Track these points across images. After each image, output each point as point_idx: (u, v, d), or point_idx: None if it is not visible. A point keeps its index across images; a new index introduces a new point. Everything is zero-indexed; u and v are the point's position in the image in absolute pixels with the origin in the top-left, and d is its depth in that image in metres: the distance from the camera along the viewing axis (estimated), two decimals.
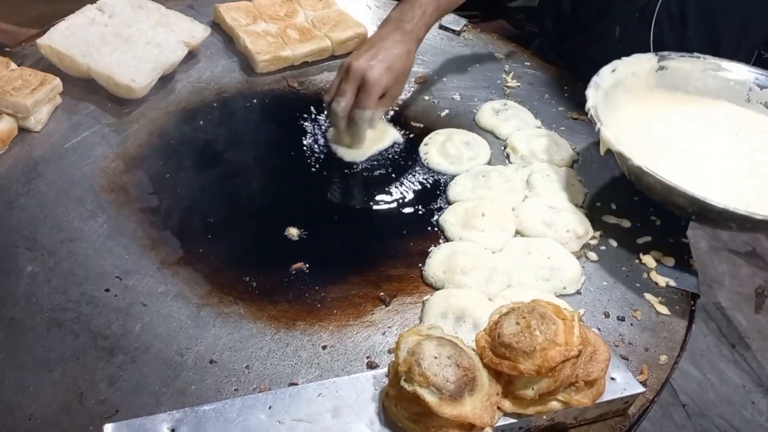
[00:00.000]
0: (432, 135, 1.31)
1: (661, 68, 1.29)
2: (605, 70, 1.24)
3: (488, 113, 1.37)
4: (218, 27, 1.47)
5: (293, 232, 1.09)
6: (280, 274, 1.02)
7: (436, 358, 0.79)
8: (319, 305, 0.99)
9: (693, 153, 1.21)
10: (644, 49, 1.45)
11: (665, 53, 1.31)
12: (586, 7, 1.59)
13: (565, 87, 1.49)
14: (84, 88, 1.25)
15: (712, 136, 1.25)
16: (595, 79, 1.22)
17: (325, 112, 1.26)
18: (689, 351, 2.78)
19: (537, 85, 1.48)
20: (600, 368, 0.84)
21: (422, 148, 1.29)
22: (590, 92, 1.19)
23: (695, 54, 1.31)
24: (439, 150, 1.27)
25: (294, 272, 1.03)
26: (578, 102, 1.44)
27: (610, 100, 1.22)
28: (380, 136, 1.29)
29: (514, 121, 1.36)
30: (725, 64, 1.31)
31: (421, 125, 1.35)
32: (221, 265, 1.02)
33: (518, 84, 1.48)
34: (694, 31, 1.43)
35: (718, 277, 3.20)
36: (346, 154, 1.25)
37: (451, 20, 1.60)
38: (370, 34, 1.49)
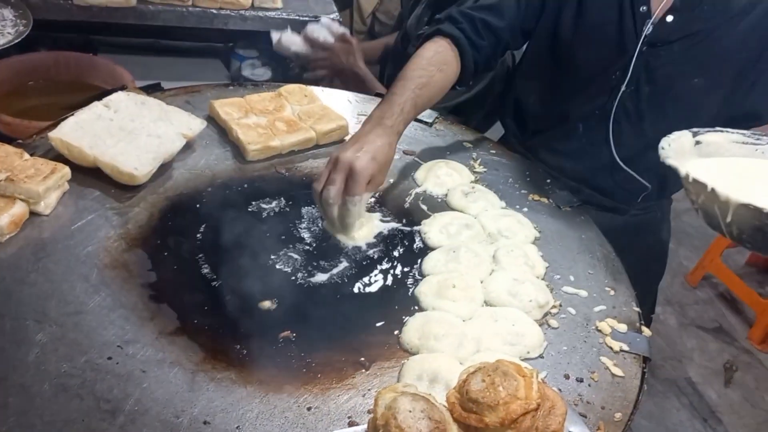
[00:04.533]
0: (436, 216, 1.45)
1: (698, 142, 1.31)
2: (663, 144, 1.26)
3: (458, 195, 1.51)
4: (213, 120, 1.61)
5: (270, 305, 1.18)
6: (268, 341, 1.12)
7: (410, 411, 0.89)
8: (304, 370, 1.08)
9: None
10: (605, 141, 1.62)
11: (695, 129, 1.33)
12: (548, 107, 1.75)
13: (527, 172, 1.64)
14: (90, 176, 1.36)
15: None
16: (661, 152, 1.23)
17: (315, 202, 1.36)
18: (663, 426, 2.85)
19: (501, 171, 1.64)
20: (558, 421, 0.94)
21: (423, 227, 1.42)
22: (671, 162, 1.20)
23: (717, 128, 1.34)
24: (440, 230, 1.40)
25: (281, 340, 1.12)
26: (539, 186, 1.60)
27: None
28: (368, 222, 1.41)
29: (482, 202, 1.49)
30: (748, 134, 1.34)
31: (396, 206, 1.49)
32: (214, 334, 1.12)
33: (485, 169, 1.63)
34: (649, 124, 1.59)
35: (688, 353, 3.30)
36: (348, 241, 1.36)
37: (425, 114, 1.77)
38: (350, 126, 1.65)
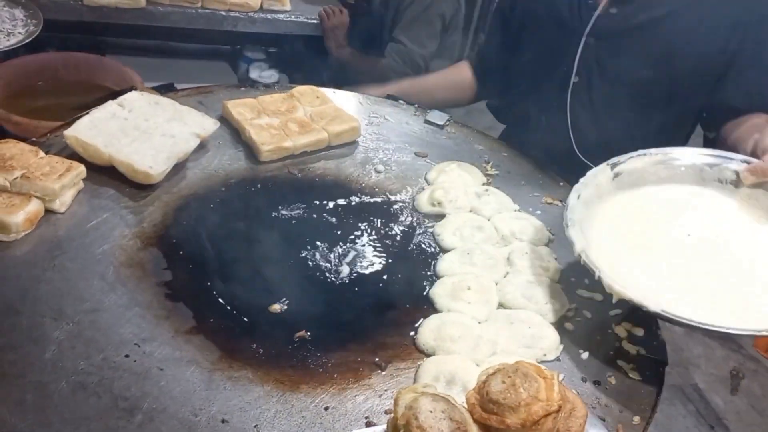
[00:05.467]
0: (450, 218, 1.44)
1: (616, 175, 1.34)
2: (572, 201, 1.27)
3: (471, 197, 1.51)
4: (226, 121, 1.61)
5: (283, 305, 1.18)
6: (284, 341, 1.11)
7: (431, 412, 0.88)
8: (320, 370, 1.08)
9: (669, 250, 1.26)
10: (565, 133, 1.69)
11: (614, 160, 1.35)
12: (511, 102, 1.84)
13: (540, 175, 1.64)
14: (104, 174, 1.36)
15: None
16: (567, 215, 1.24)
17: None
18: None
19: (514, 173, 1.64)
20: (579, 423, 0.93)
21: (437, 229, 1.42)
22: (571, 233, 1.21)
23: (641, 151, 1.37)
24: (454, 232, 1.40)
25: (297, 340, 1.12)
26: (552, 188, 1.60)
27: (584, 222, 1.26)
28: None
29: (495, 204, 1.49)
30: (672, 152, 1.38)
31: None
32: (230, 333, 1.11)
33: (497, 172, 1.63)
34: (605, 116, 1.63)
35: (694, 360, 3.29)
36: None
37: (436, 116, 1.77)
38: (362, 127, 1.65)
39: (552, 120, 1.72)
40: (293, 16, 2.78)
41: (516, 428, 0.89)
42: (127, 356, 1.03)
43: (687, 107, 1.61)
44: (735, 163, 1.35)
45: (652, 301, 1.09)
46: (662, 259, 1.23)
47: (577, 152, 1.69)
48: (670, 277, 1.20)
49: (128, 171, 1.35)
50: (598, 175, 1.34)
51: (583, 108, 1.65)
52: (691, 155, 1.38)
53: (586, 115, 1.66)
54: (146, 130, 1.44)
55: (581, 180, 1.31)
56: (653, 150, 1.37)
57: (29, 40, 2.11)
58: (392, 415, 0.92)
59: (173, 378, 1.01)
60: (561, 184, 1.62)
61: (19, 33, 2.12)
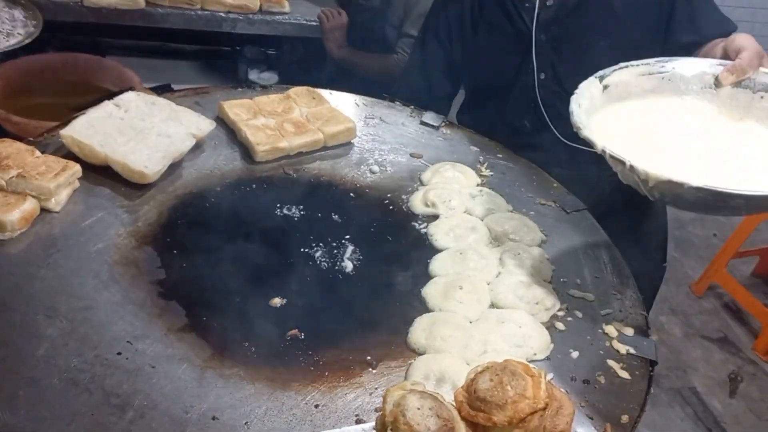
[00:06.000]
0: (443, 218, 1.45)
1: (605, 87, 1.37)
2: (575, 109, 1.27)
3: (465, 197, 1.52)
4: (222, 121, 1.62)
5: (278, 302, 1.19)
6: (276, 339, 1.12)
7: (419, 409, 0.89)
8: (312, 368, 1.08)
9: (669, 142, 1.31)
10: (547, 130, 1.71)
11: (600, 73, 1.37)
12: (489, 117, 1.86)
13: (534, 177, 1.65)
14: (100, 174, 1.37)
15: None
16: (575, 120, 1.24)
17: None
18: None
19: (508, 175, 1.64)
20: (565, 421, 0.94)
21: (430, 229, 1.42)
22: (587, 133, 1.21)
23: (621, 65, 1.40)
24: (447, 233, 1.41)
25: (289, 338, 1.13)
26: (545, 190, 1.61)
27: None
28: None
29: (488, 205, 1.50)
30: (654, 62, 1.42)
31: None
32: (222, 331, 1.12)
33: (492, 173, 1.64)
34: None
35: (692, 363, 3.29)
36: None
37: (431, 117, 1.78)
38: (358, 128, 1.66)
39: (529, 119, 1.77)
40: (292, 18, 2.79)
41: (503, 425, 0.90)
42: (119, 353, 1.04)
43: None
44: (713, 67, 1.41)
45: (689, 178, 1.08)
46: (665, 159, 1.25)
47: (563, 140, 1.68)
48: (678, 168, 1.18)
49: (124, 170, 1.36)
50: (590, 87, 1.36)
51: (557, 97, 1.67)
52: (671, 65, 1.43)
53: (561, 104, 1.65)
54: (142, 130, 1.45)
55: (576, 92, 1.32)
56: (636, 62, 1.41)
57: (29, 41, 2.12)
58: (381, 412, 0.93)
59: (165, 375, 1.02)
60: (555, 185, 1.63)
61: (19, 34, 2.13)
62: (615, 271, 1.39)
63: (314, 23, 2.83)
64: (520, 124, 1.79)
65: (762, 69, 1.37)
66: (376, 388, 1.07)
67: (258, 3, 2.69)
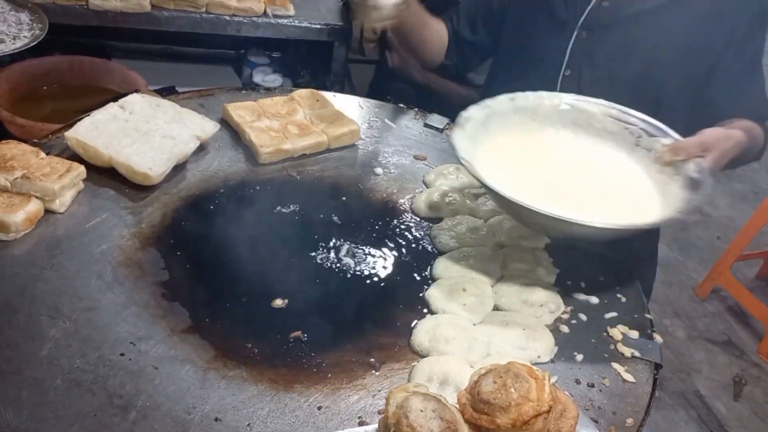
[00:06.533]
0: (446, 220, 1.45)
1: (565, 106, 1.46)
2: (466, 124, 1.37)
3: (469, 199, 1.51)
4: (226, 123, 1.62)
5: (281, 303, 1.19)
6: (279, 340, 1.12)
7: (422, 411, 0.89)
8: (314, 369, 1.08)
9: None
10: None
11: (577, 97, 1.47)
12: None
13: None
14: (104, 175, 1.38)
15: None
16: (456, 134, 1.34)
17: None
18: None
19: None
20: (570, 424, 0.94)
21: (434, 232, 1.43)
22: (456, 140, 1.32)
23: (599, 101, 1.47)
24: (450, 235, 1.41)
25: (292, 340, 1.13)
26: None
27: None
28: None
29: (491, 205, 1.50)
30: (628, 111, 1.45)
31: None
32: (226, 332, 1.12)
33: None
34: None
35: (696, 366, 3.28)
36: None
37: (435, 120, 1.78)
38: (362, 130, 1.66)
39: None
40: (297, 21, 2.79)
41: (506, 428, 0.90)
42: (122, 355, 1.04)
43: (675, 108, 1.60)
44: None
45: (512, 192, 1.18)
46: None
47: None
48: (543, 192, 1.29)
49: (128, 172, 1.36)
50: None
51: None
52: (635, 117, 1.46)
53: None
54: (146, 131, 1.45)
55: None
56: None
57: (35, 43, 2.12)
58: (384, 414, 0.92)
59: (168, 376, 1.02)
60: None
61: (25, 37, 2.13)
62: (619, 273, 1.39)
63: (319, 26, 2.83)
64: None
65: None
66: (379, 390, 1.07)
67: (263, 6, 2.69)
